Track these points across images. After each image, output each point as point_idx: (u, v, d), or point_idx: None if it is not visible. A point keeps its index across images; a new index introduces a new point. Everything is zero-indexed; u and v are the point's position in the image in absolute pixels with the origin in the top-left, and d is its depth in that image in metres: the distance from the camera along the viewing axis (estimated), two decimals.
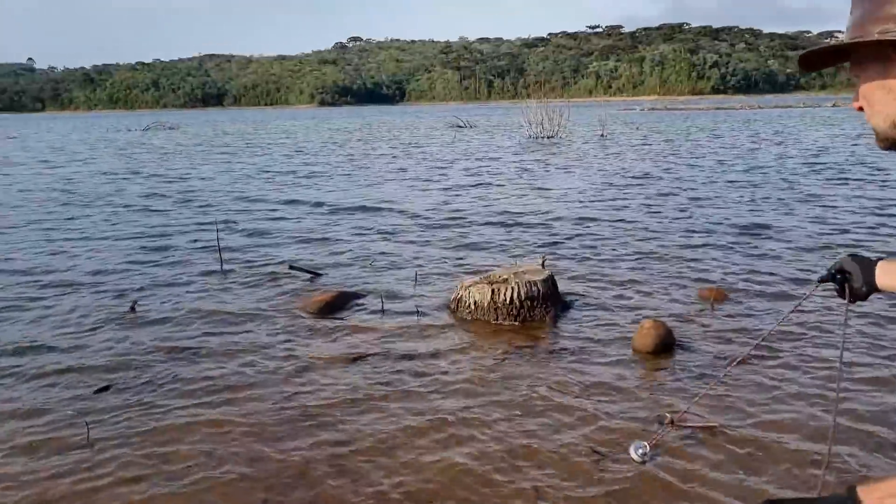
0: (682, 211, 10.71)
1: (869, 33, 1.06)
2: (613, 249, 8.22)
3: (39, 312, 6.23)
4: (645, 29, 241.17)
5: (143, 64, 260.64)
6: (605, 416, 4.01)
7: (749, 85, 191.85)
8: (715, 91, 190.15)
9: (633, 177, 15.41)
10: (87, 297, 6.69)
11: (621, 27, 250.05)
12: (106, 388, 4.56)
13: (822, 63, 1.20)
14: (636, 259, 7.70)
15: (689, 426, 3.83)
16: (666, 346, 4.94)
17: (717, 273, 7.03)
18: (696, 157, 19.75)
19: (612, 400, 4.22)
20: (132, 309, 6.22)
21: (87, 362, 5.02)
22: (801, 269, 7.05)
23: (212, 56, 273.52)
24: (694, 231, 9.13)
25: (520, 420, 4.00)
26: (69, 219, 11.39)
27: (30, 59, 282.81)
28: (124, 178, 17.78)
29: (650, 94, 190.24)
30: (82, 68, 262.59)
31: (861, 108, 1.18)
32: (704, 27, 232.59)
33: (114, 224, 10.77)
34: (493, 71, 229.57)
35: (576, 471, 3.46)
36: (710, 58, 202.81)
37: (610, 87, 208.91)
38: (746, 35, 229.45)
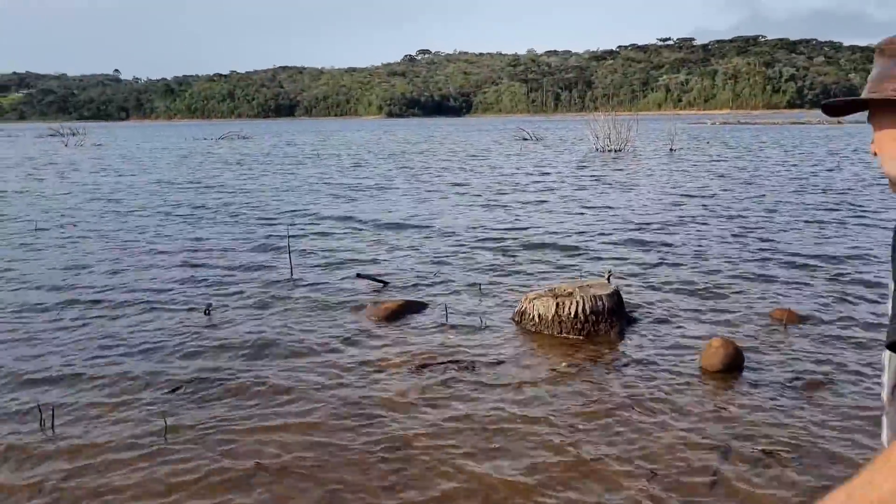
0: (753, 232, 10.42)
1: (884, 90, 1.21)
2: (682, 267, 8.09)
3: (118, 314, 6.57)
4: (718, 41, 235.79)
5: (220, 75, 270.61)
6: (667, 435, 3.96)
7: (827, 99, 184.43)
8: (791, 105, 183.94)
9: (702, 194, 15.09)
10: (164, 301, 7.01)
11: (693, 39, 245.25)
12: (180, 388, 4.77)
13: (845, 112, 1.34)
14: (706, 278, 7.56)
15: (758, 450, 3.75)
16: (734, 365, 4.84)
17: (790, 296, 6.83)
18: (771, 176, 19.18)
19: (675, 418, 4.17)
20: (206, 312, 6.48)
21: (164, 362, 5.27)
22: (883, 297, 6.78)
23: (285, 68, 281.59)
24: (767, 252, 8.87)
25: (579, 434, 3.99)
26: (153, 229, 11.94)
27: (116, 70, 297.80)
28: (196, 188, 18.50)
29: (722, 108, 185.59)
30: (164, 79, 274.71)
31: (875, 154, 1.29)
32: (781, 39, 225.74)
33: (188, 232, 11.24)
34: (561, 84, 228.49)
35: (631, 491, 3.43)
36: (786, 71, 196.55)
37: (680, 100, 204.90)
38: (826, 48, 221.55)
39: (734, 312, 6.29)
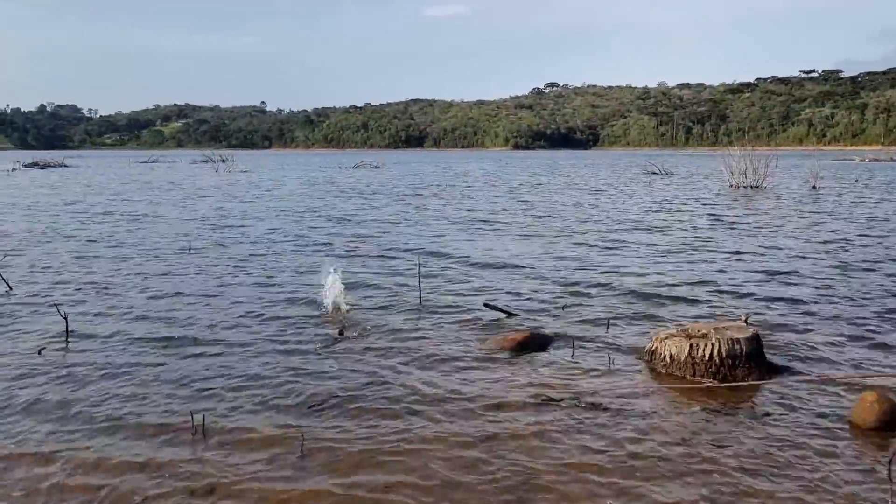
0: None
1: None
2: (828, 315, 7.56)
3: (260, 332, 7.00)
4: (868, 73, 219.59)
5: (356, 107, 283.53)
6: (815, 496, 3.70)
7: None
8: None
9: (850, 237, 14.06)
10: (298, 322, 7.38)
11: (840, 71, 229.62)
12: (318, 405, 5.01)
13: None
14: (855, 328, 7.01)
15: None
16: (891, 423, 4.45)
17: None
18: None
19: (822, 477, 3.89)
20: (340, 333, 6.78)
21: (301, 381, 5.55)
22: None
23: (416, 100, 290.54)
24: None
25: (713, 486, 3.81)
26: (291, 253, 12.65)
27: (263, 102, 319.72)
28: (331, 218, 19.39)
29: (872, 144, 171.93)
30: (304, 111, 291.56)
31: None
32: None
33: (323, 256, 11.82)
34: (693, 117, 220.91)
35: None
36: None
37: (824, 135, 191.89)
38: None
39: (891, 367, 5.79)
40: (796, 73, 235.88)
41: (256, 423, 4.69)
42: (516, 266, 10.57)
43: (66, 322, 6.90)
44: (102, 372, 5.74)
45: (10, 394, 5.25)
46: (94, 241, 13.57)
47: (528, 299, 8.31)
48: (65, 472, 4.04)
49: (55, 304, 7.58)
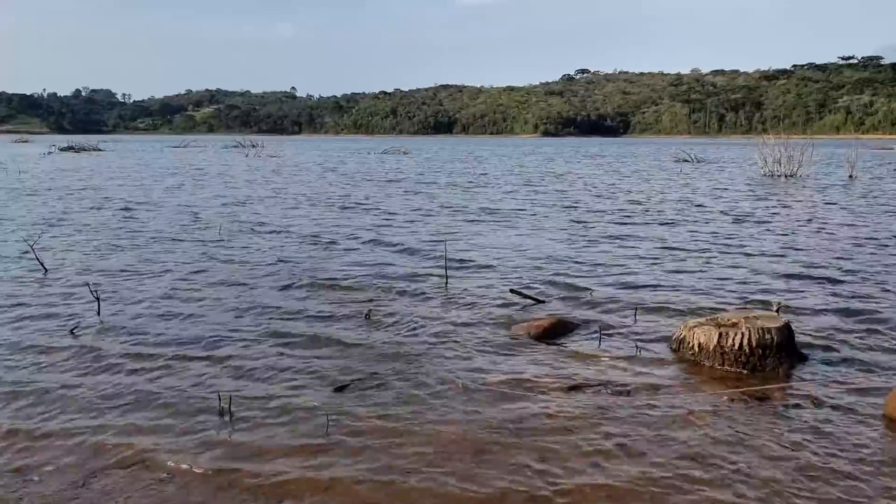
0: None
1: None
2: (861, 309, 7.38)
3: (289, 317, 7.06)
4: None
5: (385, 93, 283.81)
6: (844, 486, 3.63)
7: None
8: None
9: (888, 229, 13.72)
10: (327, 305, 7.43)
11: (880, 58, 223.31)
12: (344, 387, 5.03)
13: None
14: (889, 324, 6.84)
15: None
16: None
17: None
18: None
19: (855, 470, 3.81)
20: (367, 316, 6.81)
21: (328, 362, 5.59)
22: None
23: (445, 86, 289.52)
24: None
25: (741, 478, 3.75)
26: (321, 248, 12.72)
27: (293, 87, 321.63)
28: (361, 208, 19.49)
29: None
30: (334, 97, 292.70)
31: None
32: None
33: (351, 245, 11.86)
34: (726, 104, 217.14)
35: None
36: None
37: (863, 123, 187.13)
38: None
39: None
40: (834, 60, 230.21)
41: (282, 403, 4.73)
42: (540, 256, 10.50)
43: (98, 302, 7.04)
44: (132, 351, 5.84)
45: (46, 366, 5.38)
46: (126, 225, 13.80)
47: (553, 288, 8.24)
48: (95, 445, 4.13)
49: (87, 285, 7.72)
